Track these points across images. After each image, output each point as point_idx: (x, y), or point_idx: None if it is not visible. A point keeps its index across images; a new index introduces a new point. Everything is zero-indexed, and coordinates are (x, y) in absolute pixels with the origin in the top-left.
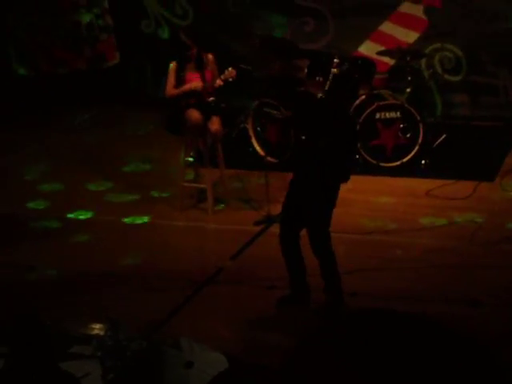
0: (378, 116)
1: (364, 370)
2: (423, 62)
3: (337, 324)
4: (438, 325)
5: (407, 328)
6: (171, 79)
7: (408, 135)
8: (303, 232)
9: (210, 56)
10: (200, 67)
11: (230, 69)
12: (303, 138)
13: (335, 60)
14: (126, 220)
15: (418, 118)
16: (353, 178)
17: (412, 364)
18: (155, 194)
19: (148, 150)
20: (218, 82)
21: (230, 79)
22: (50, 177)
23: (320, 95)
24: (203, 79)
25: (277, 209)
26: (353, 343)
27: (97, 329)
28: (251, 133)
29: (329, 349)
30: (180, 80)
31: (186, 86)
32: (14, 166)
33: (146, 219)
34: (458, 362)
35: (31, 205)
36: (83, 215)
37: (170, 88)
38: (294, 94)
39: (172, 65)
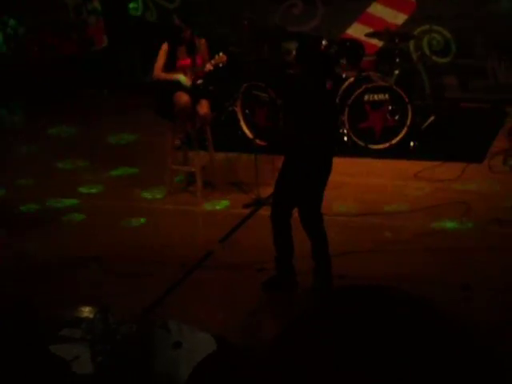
0: (366, 98)
1: (352, 351)
2: (412, 44)
3: (324, 304)
4: (432, 305)
5: (399, 306)
6: (161, 60)
7: (396, 117)
8: (295, 215)
9: (203, 41)
10: (192, 51)
11: (220, 54)
12: (291, 119)
13: (323, 42)
14: (115, 204)
15: (407, 100)
16: (342, 160)
17: (404, 345)
18: (144, 178)
19: (136, 133)
20: (208, 67)
21: (221, 65)
22: (35, 160)
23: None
24: (194, 63)
25: (266, 191)
26: (341, 322)
27: (86, 312)
28: (240, 116)
29: (316, 330)
30: (171, 63)
31: (175, 76)
32: None
33: (135, 202)
34: (452, 346)
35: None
36: (71, 201)
37: (158, 70)
38: (282, 76)
39: (163, 46)
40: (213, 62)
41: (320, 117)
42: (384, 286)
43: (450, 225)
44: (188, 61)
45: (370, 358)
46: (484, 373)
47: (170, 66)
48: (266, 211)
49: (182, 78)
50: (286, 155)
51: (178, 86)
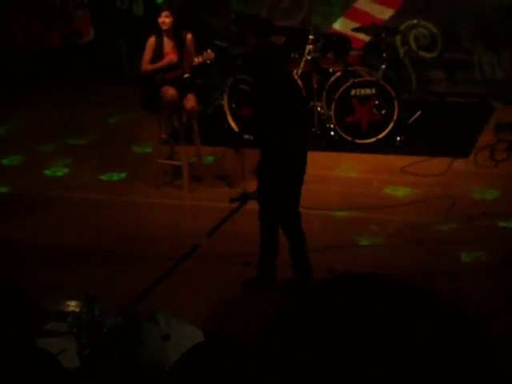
0: (353, 93)
1: (341, 339)
2: (398, 38)
3: (310, 293)
4: (421, 290)
5: (387, 292)
6: (147, 54)
7: (383, 112)
8: None
9: (189, 35)
10: (179, 46)
11: (209, 51)
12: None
13: (310, 36)
14: (102, 196)
15: (393, 94)
16: (328, 154)
17: (394, 331)
18: (130, 171)
19: (123, 126)
20: (196, 61)
21: (208, 61)
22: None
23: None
24: (181, 58)
25: (252, 186)
26: (327, 311)
27: (72, 305)
28: (227, 110)
29: (303, 318)
30: (157, 57)
31: (162, 62)
32: None
33: (122, 197)
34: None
35: None
36: (58, 192)
37: (146, 63)
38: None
39: (150, 40)
40: (200, 58)
41: (283, 112)
42: (372, 274)
43: (435, 219)
44: (174, 53)
45: (360, 345)
46: (481, 354)
47: (158, 60)
48: (252, 205)
49: (168, 59)
50: (261, 153)
51: (164, 78)
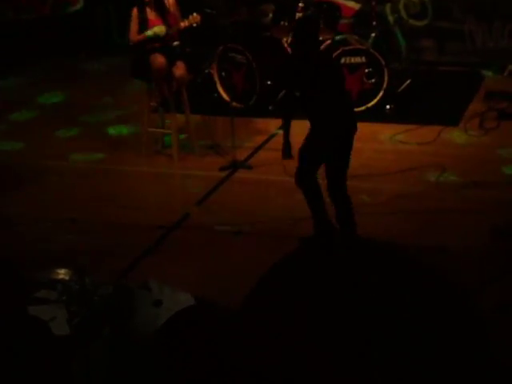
0: (343, 61)
1: (326, 311)
2: (388, 6)
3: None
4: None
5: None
6: (134, 25)
7: (373, 80)
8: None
9: (171, 0)
10: (161, 11)
11: (194, 14)
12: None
13: (300, 4)
14: (91, 166)
15: (383, 63)
16: None
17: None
18: (120, 139)
19: (113, 95)
20: (183, 25)
21: (194, 25)
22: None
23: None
24: (166, 23)
25: (242, 154)
26: (312, 278)
27: (62, 274)
28: (216, 78)
29: (286, 289)
30: (143, 25)
31: (149, 32)
32: None
33: (111, 166)
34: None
35: None
36: (47, 162)
37: (134, 34)
38: (259, 39)
39: (133, 11)
40: (186, 22)
41: (322, 89)
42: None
43: (425, 188)
44: (159, 21)
45: (343, 314)
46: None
47: (144, 28)
48: (242, 174)
49: (156, 29)
50: (311, 126)
51: (154, 44)
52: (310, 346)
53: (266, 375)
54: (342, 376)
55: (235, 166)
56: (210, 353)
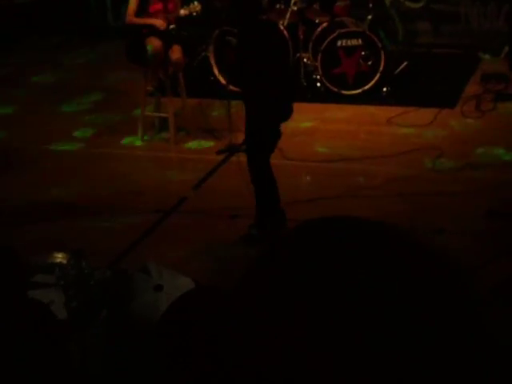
0: (339, 44)
1: (319, 292)
2: None
3: (284, 242)
4: (403, 233)
5: (366, 236)
6: (132, 5)
7: (369, 63)
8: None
9: None
10: None
11: (195, 3)
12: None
13: None
14: (88, 150)
15: (380, 45)
16: (314, 106)
17: (375, 281)
18: (116, 124)
19: (109, 79)
20: (183, 12)
21: (194, 13)
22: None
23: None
24: (166, 9)
25: (239, 138)
26: (304, 258)
27: (59, 258)
28: (213, 61)
29: (278, 270)
30: (143, 10)
31: (149, 21)
32: None
33: (108, 149)
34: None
35: None
36: (44, 146)
37: (131, 15)
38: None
39: None
40: (187, 10)
41: (268, 64)
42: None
43: (421, 170)
44: (160, 5)
45: (337, 300)
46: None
47: (142, 12)
48: (239, 157)
49: (157, 22)
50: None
51: (151, 30)
52: (310, 346)
53: (266, 375)
54: (342, 376)
55: (232, 149)
56: (210, 353)
